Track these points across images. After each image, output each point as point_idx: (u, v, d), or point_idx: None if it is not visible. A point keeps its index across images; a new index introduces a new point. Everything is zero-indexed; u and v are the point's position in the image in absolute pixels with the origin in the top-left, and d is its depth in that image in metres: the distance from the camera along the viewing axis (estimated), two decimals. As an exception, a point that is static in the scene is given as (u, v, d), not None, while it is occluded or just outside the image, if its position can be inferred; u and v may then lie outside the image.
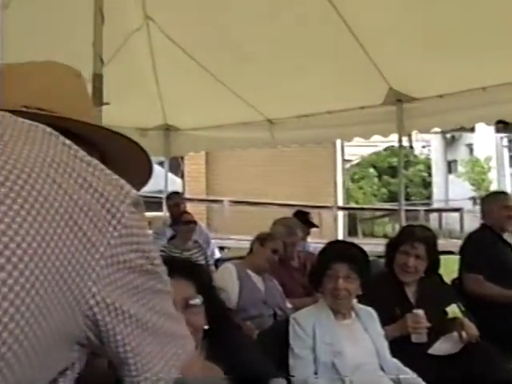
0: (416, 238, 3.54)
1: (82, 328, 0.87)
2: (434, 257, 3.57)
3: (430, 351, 3.23)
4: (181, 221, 5.77)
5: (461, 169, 23.87)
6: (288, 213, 6.52)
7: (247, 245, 4.65)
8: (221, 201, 13.83)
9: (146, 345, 0.95)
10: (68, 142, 0.93)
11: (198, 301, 2.17)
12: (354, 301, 3.09)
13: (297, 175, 14.50)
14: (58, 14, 4.20)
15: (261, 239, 4.38)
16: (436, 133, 21.37)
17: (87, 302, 0.86)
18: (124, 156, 1.23)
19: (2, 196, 0.79)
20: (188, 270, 2.27)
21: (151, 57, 5.37)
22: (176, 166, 13.45)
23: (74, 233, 0.83)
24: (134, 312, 0.92)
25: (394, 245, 3.64)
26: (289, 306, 4.23)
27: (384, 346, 2.98)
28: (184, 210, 6.54)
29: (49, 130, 0.94)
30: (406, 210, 7.03)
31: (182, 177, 14.73)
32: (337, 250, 3.21)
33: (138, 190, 1.31)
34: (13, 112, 0.99)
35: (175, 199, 6.72)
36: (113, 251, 0.88)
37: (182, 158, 13.45)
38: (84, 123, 1.14)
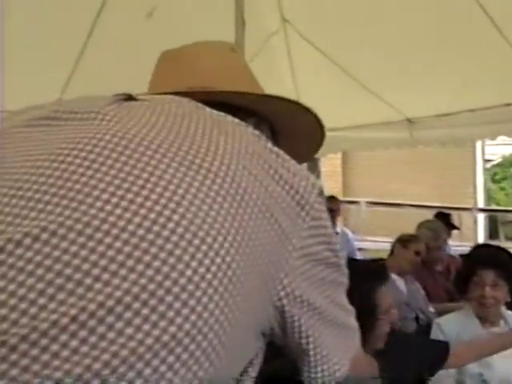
0: None
1: (270, 318, 0.88)
2: None
3: None
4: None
5: None
6: (427, 214, 6.37)
7: (384, 246, 4.58)
8: (357, 202, 13.71)
9: (326, 337, 0.95)
10: (256, 132, 0.94)
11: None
12: (503, 308, 2.95)
13: (435, 175, 14.13)
14: (199, 17, 4.30)
15: (403, 241, 4.31)
16: None
17: (278, 293, 0.86)
18: (293, 124, 1.20)
19: (205, 188, 0.80)
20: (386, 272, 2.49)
21: (289, 58, 5.39)
22: (313, 166, 13.47)
23: (270, 224, 0.84)
24: (318, 304, 0.92)
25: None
26: (431, 310, 4.12)
27: (538, 356, 2.80)
28: (337, 216, 6.56)
29: (236, 120, 0.95)
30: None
31: (318, 177, 14.73)
32: (483, 256, 3.08)
33: (310, 158, 1.32)
34: (178, 94, 1.02)
35: (329, 204, 6.74)
36: (303, 243, 0.88)
37: (318, 158, 13.46)
38: (251, 94, 1.13)
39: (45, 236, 0.73)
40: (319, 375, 0.97)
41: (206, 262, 0.75)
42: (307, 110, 1.18)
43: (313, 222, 0.90)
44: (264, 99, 1.16)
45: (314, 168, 13.97)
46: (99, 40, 4.14)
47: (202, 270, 0.75)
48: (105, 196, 0.76)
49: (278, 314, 0.89)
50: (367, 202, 13.57)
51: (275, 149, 0.93)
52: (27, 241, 0.72)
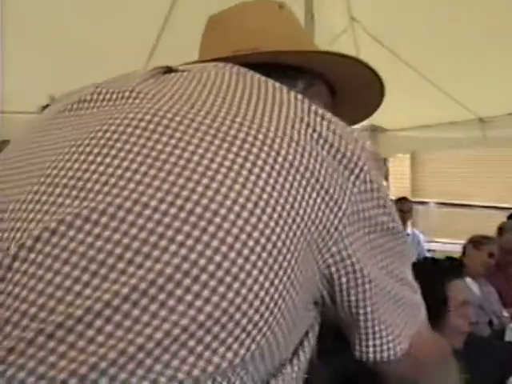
0: None
1: (319, 287, 0.85)
2: None
3: None
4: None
5: None
6: (499, 215, 6.22)
7: (455, 248, 4.49)
8: (427, 203, 13.47)
9: (381, 311, 0.90)
10: (300, 96, 0.90)
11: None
12: None
13: (507, 176, 13.77)
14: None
15: (475, 242, 4.22)
16: None
17: (325, 260, 0.83)
18: (349, 80, 1.15)
19: (241, 160, 0.78)
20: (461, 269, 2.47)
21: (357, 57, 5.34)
22: (381, 166, 13.30)
23: (316, 191, 0.80)
24: (373, 275, 0.87)
25: None
26: (506, 314, 4.01)
27: None
28: (409, 217, 6.48)
29: (278, 85, 0.92)
30: None
31: (386, 178, 14.54)
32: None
33: (369, 116, 1.27)
34: (225, 59, 0.99)
35: (400, 205, 6.65)
36: (354, 208, 0.83)
37: (386, 158, 13.30)
38: (294, 52, 1.08)
39: (78, 222, 0.73)
40: (370, 350, 0.92)
41: (243, 236, 0.73)
42: (362, 64, 1.13)
43: (364, 186, 0.85)
44: (310, 55, 1.11)
45: (382, 168, 13.81)
46: (176, 24, 4.16)
47: (237, 245, 0.73)
48: (137, 177, 0.76)
49: (327, 281, 0.85)
50: (437, 203, 13.33)
51: (320, 111, 0.88)
52: (62, 228, 0.73)
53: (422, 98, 5.53)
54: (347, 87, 1.16)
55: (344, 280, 0.86)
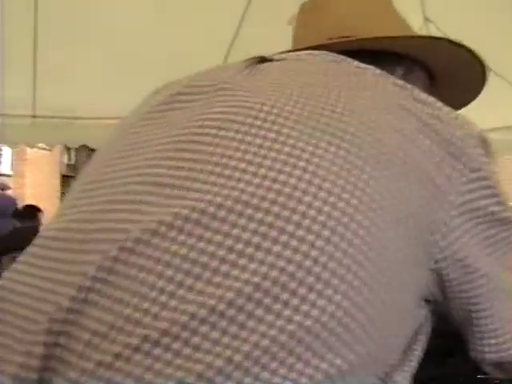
0: None
1: (429, 283, 0.80)
2: None
3: None
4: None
5: None
6: None
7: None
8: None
9: (497, 307, 0.84)
10: (400, 82, 0.86)
11: None
12: None
13: None
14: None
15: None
16: None
17: (434, 256, 0.78)
18: (450, 65, 1.10)
19: (343, 152, 0.74)
20: None
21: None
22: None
23: (422, 183, 0.76)
24: (486, 269, 0.81)
25: None
26: None
27: None
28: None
29: (378, 71, 0.88)
30: None
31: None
32: None
33: (466, 104, 1.20)
34: (319, 47, 0.96)
35: None
36: (462, 199, 0.79)
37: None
38: (391, 38, 1.03)
39: (178, 222, 0.71)
40: (486, 350, 0.85)
41: (325, 233, 0.70)
42: (461, 47, 1.07)
43: (473, 175, 0.80)
44: (404, 41, 1.06)
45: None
46: (253, 21, 4.14)
47: (319, 242, 0.70)
48: (236, 174, 0.74)
49: (437, 276, 0.81)
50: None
51: (422, 97, 0.84)
52: (162, 229, 0.71)
53: (499, 99, 5.39)
54: (447, 71, 1.12)
55: (455, 276, 0.81)
